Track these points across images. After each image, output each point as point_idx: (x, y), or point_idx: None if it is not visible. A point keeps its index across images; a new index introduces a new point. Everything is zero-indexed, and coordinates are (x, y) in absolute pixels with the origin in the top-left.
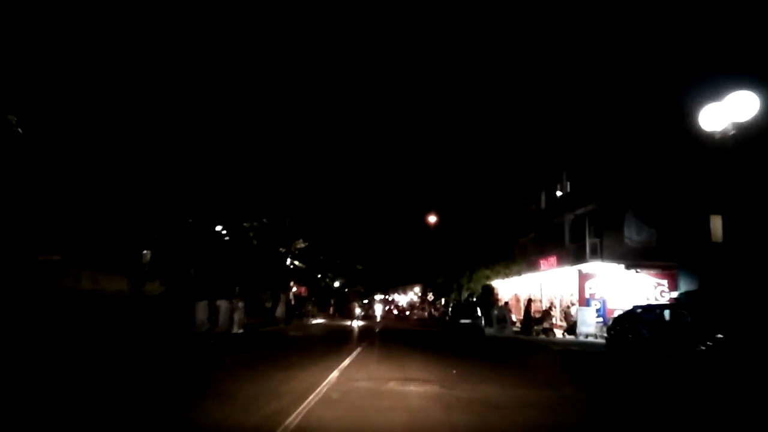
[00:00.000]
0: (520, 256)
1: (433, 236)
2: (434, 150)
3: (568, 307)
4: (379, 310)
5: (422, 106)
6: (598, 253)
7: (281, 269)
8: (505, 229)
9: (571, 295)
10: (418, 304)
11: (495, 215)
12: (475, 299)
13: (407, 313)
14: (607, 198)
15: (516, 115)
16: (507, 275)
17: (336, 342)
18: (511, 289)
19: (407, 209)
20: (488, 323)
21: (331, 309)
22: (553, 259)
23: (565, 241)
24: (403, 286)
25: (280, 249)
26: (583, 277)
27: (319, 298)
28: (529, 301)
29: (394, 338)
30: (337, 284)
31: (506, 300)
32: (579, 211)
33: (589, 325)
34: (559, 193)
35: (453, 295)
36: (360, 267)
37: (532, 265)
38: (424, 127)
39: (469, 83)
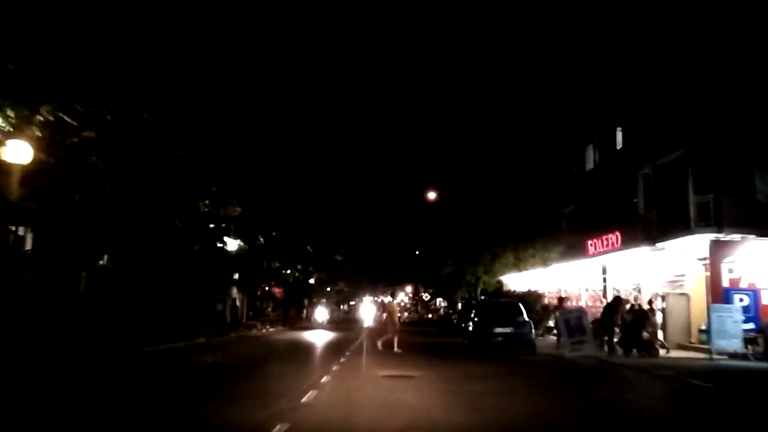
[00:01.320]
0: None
1: (434, 216)
2: (435, 111)
3: (651, 302)
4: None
5: (421, 60)
6: (710, 219)
7: (211, 251)
8: (535, 202)
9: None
10: (410, 306)
11: (519, 186)
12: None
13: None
14: (717, 134)
15: (541, 58)
16: (545, 261)
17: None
18: (524, 284)
19: (400, 189)
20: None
21: (305, 312)
22: (612, 238)
23: (637, 208)
24: (393, 286)
25: (209, 222)
26: (719, 252)
27: (291, 298)
28: (618, 299)
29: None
30: (312, 281)
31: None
32: (665, 160)
33: (732, 336)
34: (620, 142)
35: (460, 292)
36: (340, 258)
37: (572, 249)
38: (421, 86)
39: (481, 32)
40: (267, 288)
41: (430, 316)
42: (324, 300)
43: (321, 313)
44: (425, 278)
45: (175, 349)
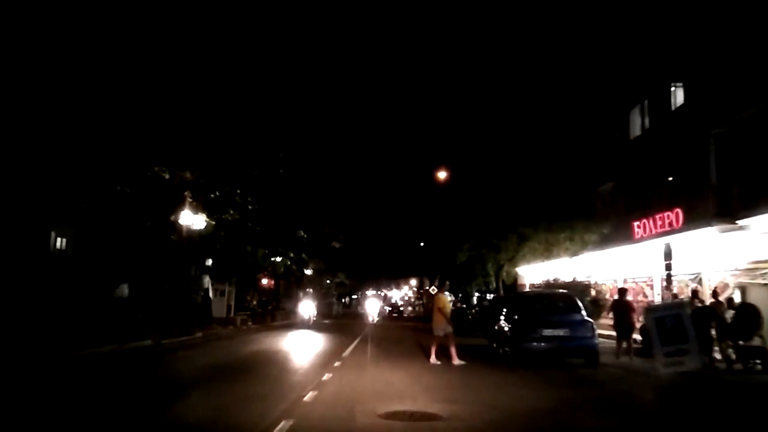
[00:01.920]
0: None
1: (446, 198)
2: (446, 69)
3: (716, 294)
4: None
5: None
6: None
7: (166, 228)
8: (568, 178)
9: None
10: (414, 300)
11: (549, 159)
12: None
13: (401, 309)
14: None
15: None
16: (584, 245)
17: None
18: (542, 275)
19: (405, 170)
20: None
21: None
22: (671, 216)
23: (709, 177)
24: (396, 281)
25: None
26: None
27: (285, 291)
28: (695, 293)
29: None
30: (309, 272)
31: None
32: (749, 112)
33: None
34: (678, 100)
35: (476, 284)
36: (338, 245)
37: (611, 232)
38: (430, 43)
39: None
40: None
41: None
42: (311, 291)
43: (307, 307)
44: (432, 270)
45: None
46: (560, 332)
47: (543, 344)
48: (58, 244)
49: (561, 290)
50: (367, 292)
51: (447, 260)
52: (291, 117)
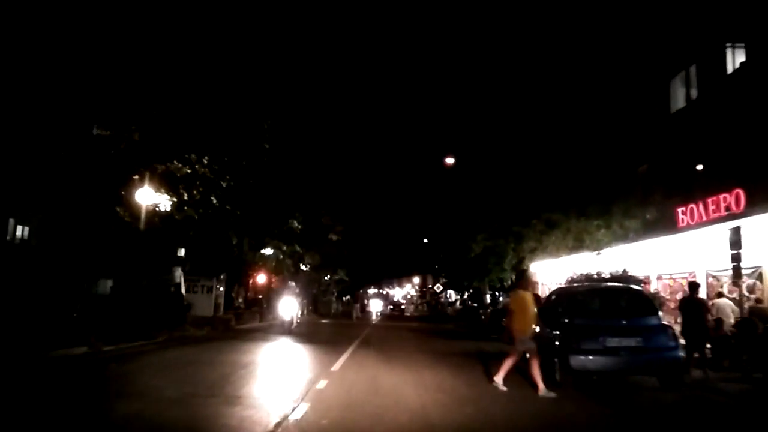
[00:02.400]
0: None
1: (455, 184)
2: (455, 39)
3: None
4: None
5: None
6: None
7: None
8: (606, 156)
9: None
10: (416, 299)
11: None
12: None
13: (403, 307)
14: None
15: None
16: (625, 233)
17: None
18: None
19: (409, 158)
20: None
21: None
22: (729, 199)
23: None
24: (399, 279)
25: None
26: None
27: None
28: (695, 286)
29: None
30: (305, 268)
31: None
32: None
33: None
34: (732, 63)
35: (491, 278)
36: (336, 237)
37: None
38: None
39: None
40: (247, 275)
41: (448, 309)
42: (294, 284)
43: (288, 306)
44: (436, 267)
45: None
46: (631, 342)
47: (607, 358)
48: (18, 232)
49: (622, 285)
50: (369, 290)
51: (456, 254)
52: (286, 86)
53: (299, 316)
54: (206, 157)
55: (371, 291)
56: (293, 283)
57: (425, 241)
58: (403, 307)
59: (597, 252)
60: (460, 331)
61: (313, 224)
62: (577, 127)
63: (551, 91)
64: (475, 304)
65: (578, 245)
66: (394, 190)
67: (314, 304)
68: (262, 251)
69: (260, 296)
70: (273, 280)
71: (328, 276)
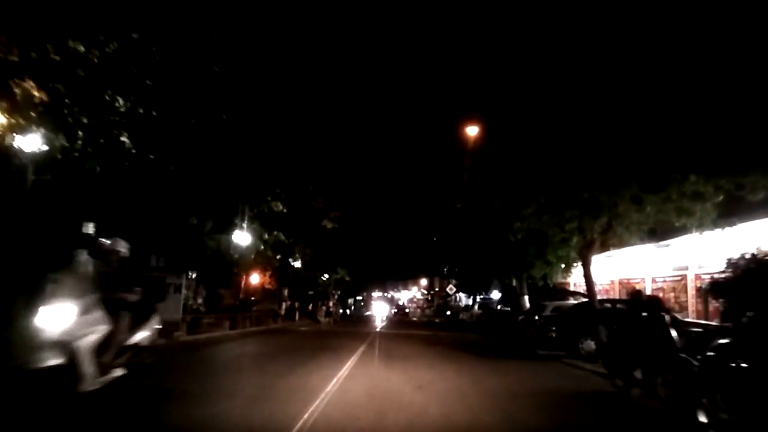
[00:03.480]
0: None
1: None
2: None
3: None
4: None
5: None
6: None
7: None
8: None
9: None
10: (423, 302)
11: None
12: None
13: (407, 311)
14: None
15: None
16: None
17: None
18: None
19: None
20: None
21: (288, 309)
22: None
23: None
24: (404, 281)
25: None
26: None
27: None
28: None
29: None
30: (298, 264)
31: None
32: None
33: None
34: None
35: (534, 273)
36: (331, 225)
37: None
38: None
39: None
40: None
41: (463, 315)
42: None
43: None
44: (446, 268)
45: None
46: None
47: None
48: None
49: None
50: (373, 294)
51: (477, 247)
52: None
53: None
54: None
55: (376, 294)
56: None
57: (434, 239)
58: (407, 311)
59: (703, 230)
60: (492, 344)
61: (303, 208)
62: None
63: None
64: (507, 308)
65: (686, 219)
66: (400, 181)
67: (310, 307)
68: (234, 238)
69: (252, 298)
70: (270, 280)
71: (327, 276)
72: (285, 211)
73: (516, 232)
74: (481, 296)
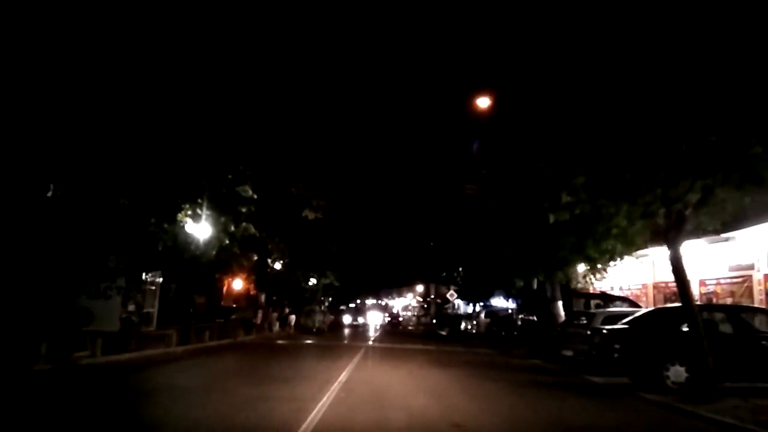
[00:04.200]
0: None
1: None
2: None
3: None
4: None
5: None
6: None
7: None
8: None
9: None
10: (419, 311)
11: None
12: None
13: (400, 318)
14: None
15: None
16: None
17: None
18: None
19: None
20: None
21: (266, 321)
22: None
23: None
24: (398, 288)
25: None
26: None
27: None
28: None
29: None
30: (278, 266)
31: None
32: None
33: None
34: None
35: (569, 268)
36: (313, 215)
37: None
38: None
39: None
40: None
41: (468, 325)
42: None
43: None
44: (449, 271)
45: None
46: None
47: None
48: None
49: None
50: (366, 301)
51: (487, 243)
52: None
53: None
54: None
55: (369, 301)
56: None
57: (431, 243)
58: (401, 319)
59: None
60: (520, 365)
61: (279, 195)
62: None
63: None
64: (532, 317)
65: None
66: (397, 178)
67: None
68: (188, 229)
69: (234, 305)
70: (251, 286)
71: (315, 280)
72: (255, 197)
73: (560, 210)
74: (481, 304)
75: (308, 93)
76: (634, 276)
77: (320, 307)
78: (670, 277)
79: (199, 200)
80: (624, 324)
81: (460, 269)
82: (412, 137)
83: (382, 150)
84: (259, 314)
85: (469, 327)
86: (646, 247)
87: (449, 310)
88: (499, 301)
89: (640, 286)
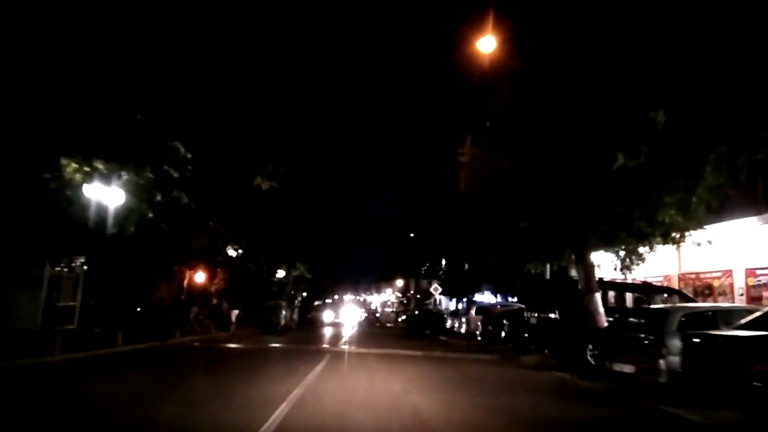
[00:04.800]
0: None
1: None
2: None
3: None
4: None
5: None
6: None
7: None
8: None
9: None
10: (398, 306)
11: None
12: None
13: (378, 316)
14: None
15: None
16: None
17: None
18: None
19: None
20: None
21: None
22: None
23: None
24: (377, 284)
25: None
26: None
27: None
28: None
29: None
30: (234, 253)
31: None
32: None
33: None
34: None
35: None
36: (269, 183)
37: None
38: None
39: None
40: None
41: (462, 324)
42: None
43: None
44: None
45: None
46: None
47: None
48: None
49: None
50: (344, 297)
51: (488, 222)
52: None
53: None
54: None
55: (347, 297)
56: None
57: (411, 235)
58: (378, 315)
59: None
60: (558, 385)
61: (222, 157)
62: None
63: None
64: (552, 315)
65: None
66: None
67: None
68: (86, 192)
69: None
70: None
71: (284, 272)
72: (189, 156)
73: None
74: (465, 299)
75: (266, 29)
76: (654, 266)
77: (287, 303)
78: (701, 267)
79: (99, 153)
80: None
81: (443, 262)
82: (392, 103)
83: (357, 120)
84: (194, 313)
85: (456, 325)
86: (704, 225)
87: (431, 306)
88: (485, 297)
89: (661, 278)
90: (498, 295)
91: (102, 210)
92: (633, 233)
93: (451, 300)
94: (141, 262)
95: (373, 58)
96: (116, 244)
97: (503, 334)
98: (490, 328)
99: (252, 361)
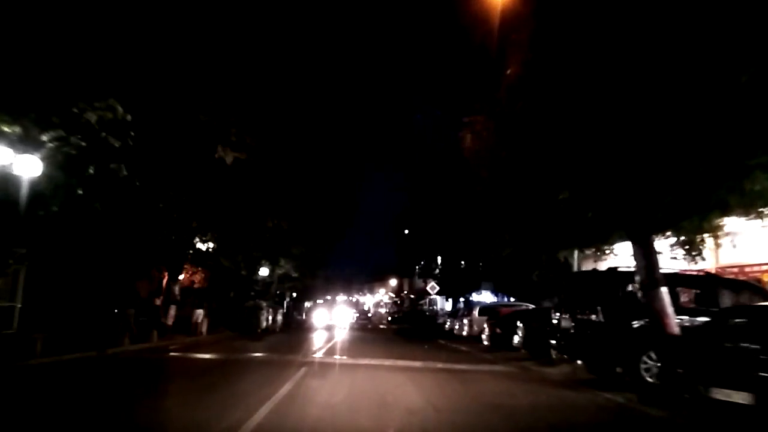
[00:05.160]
0: None
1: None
2: None
3: None
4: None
5: None
6: None
7: None
8: None
9: None
10: (391, 307)
11: None
12: None
13: (370, 316)
14: None
15: None
16: None
17: None
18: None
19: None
20: None
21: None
22: None
23: None
24: (370, 284)
25: None
26: None
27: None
28: None
29: None
30: (206, 246)
31: None
32: None
33: None
34: None
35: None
36: (232, 155)
37: None
38: None
39: None
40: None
41: (468, 325)
42: None
43: None
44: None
45: None
46: None
47: None
48: None
49: None
50: (337, 298)
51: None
52: None
53: None
54: None
55: (339, 298)
56: None
57: (405, 232)
58: (371, 315)
59: None
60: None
61: (173, 119)
62: None
63: None
64: (588, 316)
65: None
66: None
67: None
68: None
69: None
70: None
71: (268, 271)
72: (129, 118)
73: None
74: (462, 299)
75: None
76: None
77: (270, 303)
78: (745, 258)
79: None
80: None
81: (439, 260)
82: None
83: (347, 102)
84: (171, 312)
85: (457, 327)
86: None
87: (425, 306)
88: (483, 297)
89: (697, 271)
90: (498, 295)
91: (18, 185)
92: (714, 207)
93: (447, 300)
94: (90, 255)
95: (369, 24)
96: (60, 233)
97: (516, 338)
98: (499, 331)
99: (194, 381)
